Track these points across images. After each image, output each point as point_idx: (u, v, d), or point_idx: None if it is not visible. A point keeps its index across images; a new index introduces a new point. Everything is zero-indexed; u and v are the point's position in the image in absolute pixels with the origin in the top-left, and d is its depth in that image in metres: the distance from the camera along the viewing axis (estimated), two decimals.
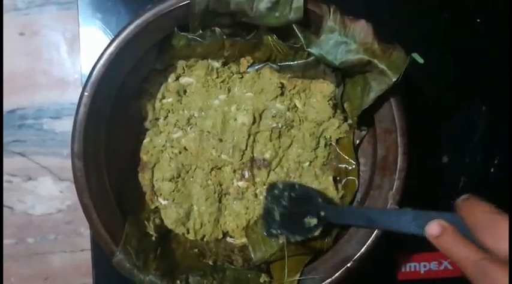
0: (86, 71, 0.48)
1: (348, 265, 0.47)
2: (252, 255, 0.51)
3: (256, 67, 0.53)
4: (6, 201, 0.60)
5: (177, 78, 0.52)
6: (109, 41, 0.45)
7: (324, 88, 0.52)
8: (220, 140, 0.52)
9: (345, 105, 0.51)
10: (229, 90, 0.53)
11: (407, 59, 0.43)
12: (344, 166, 0.54)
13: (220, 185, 0.54)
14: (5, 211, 0.60)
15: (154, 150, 0.52)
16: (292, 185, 0.50)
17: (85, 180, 0.45)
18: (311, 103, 0.52)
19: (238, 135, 0.52)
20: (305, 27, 0.46)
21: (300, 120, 0.53)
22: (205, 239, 0.54)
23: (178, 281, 0.47)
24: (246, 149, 0.53)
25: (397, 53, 0.43)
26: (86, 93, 0.44)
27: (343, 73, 0.49)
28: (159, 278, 0.46)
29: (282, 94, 0.52)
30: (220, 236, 0.54)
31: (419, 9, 0.61)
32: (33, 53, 0.59)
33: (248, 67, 0.53)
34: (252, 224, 0.53)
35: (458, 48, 0.61)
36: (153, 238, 0.49)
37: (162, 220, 0.52)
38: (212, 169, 0.53)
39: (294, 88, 0.52)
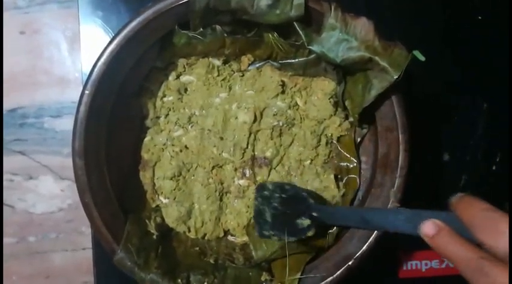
0: (87, 70, 0.48)
1: (350, 263, 0.47)
2: (253, 253, 0.51)
3: (257, 65, 0.53)
4: (7, 199, 0.60)
5: (178, 77, 0.52)
6: (109, 39, 0.45)
7: (325, 86, 0.52)
8: (221, 138, 0.52)
9: (346, 103, 0.51)
10: (230, 88, 0.53)
11: (409, 56, 0.43)
12: (345, 164, 0.54)
13: (221, 183, 0.54)
14: (6, 209, 0.60)
15: (155, 148, 0.52)
16: (282, 186, 0.49)
17: (86, 179, 0.45)
18: (312, 101, 0.52)
19: (239, 133, 0.52)
20: (306, 24, 0.46)
21: (301, 118, 0.53)
22: (206, 238, 0.54)
23: (180, 280, 0.47)
24: (247, 147, 0.53)
25: (399, 50, 0.43)
26: (86, 92, 0.44)
27: (344, 71, 0.49)
28: (160, 277, 0.46)
29: (283, 92, 0.52)
30: (222, 234, 0.54)
31: (420, 6, 0.61)
32: (33, 51, 0.59)
33: (249, 65, 0.52)
34: (253, 223, 0.53)
35: (460, 45, 0.61)
36: (154, 237, 0.49)
37: (163, 219, 0.52)
38: (213, 167, 0.53)
39: (295, 86, 0.52)
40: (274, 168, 0.54)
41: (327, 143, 0.54)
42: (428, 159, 0.61)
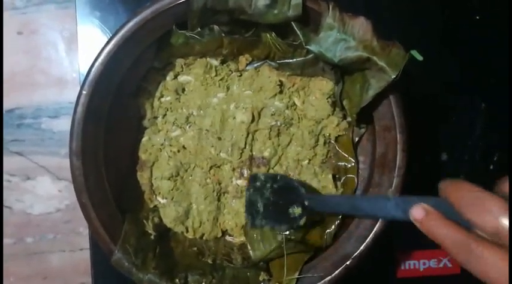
0: (84, 70, 0.48)
1: (347, 262, 0.47)
2: (251, 253, 0.51)
3: (255, 65, 0.52)
4: (4, 200, 0.60)
5: (176, 77, 0.52)
6: (107, 40, 0.45)
7: (323, 86, 0.52)
8: (219, 138, 0.52)
9: (344, 103, 0.51)
10: (228, 88, 0.53)
11: (407, 55, 0.43)
12: (343, 164, 0.54)
13: (219, 183, 0.54)
14: (4, 210, 0.60)
15: (153, 148, 0.52)
16: (274, 176, 0.50)
17: (83, 179, 0.45)
18: (310, 101, 0.52)
19: (237, 133, 0.52)
20: (304, 24, 0.46)
21: (299, 118, 0.53)
22: (204, 238, 0.54)
23: (177, 280, 0.47)
24: (245, 147, 0.53)
25: (396, 49, 0.43)
26: (84, 92, 0.44)
27: (342, 71, 0.49)
28: (158, 277, 0.46)
29: (280, 92, 0.52)
30: (219, 234, 0.54)
31: (418, 6, 0.61)
32: (31, 52, 0.59)
33: (247, 65, 0.52)
34: None
35: (458, 45, 0.61)
36: (152, 237, 0.49)
37: (161, 219, 0.52)
38: (211, 167, 0.53)
39: (292, 86, 0.52)
40: (272, 168, 0.54)
41: (324, 143, 0.54)
42: (426, 158, 0.61)
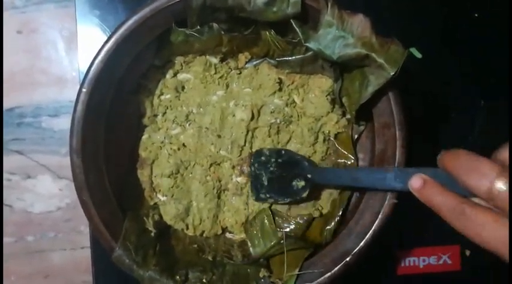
0: (84, 69, 0.48)
1: (347, 259, 0.47)
2: (251, 250, 0.51)
3: (254, 63, 0.53)
4: (5, 199, 0.60)
5: (175, 75, 0.52)
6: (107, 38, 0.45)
7: (322, 83, 0.52)
8: (219, 136, 0.52)
9: (343, 100, 0.51)
10: (227, 86, 0.53)
11: (405, 52, 0.43)
12: (343, 161, 0.54)
13: (219, 181, 0.54)
14: (5, 209, 0.60)
15: (153, 146, 0.52)
16: (279, 151, 0.51)
17: (84, 177, 0.45)
18: (309, 99, 0.52)
19: (236, 131, 0.52)
20: (303, 22, 0.46)
21: (298, 116, 0.53)
22: (204, 235, 0.54)
23: (178, 277, 0.47)
24: (245, 145, 0.53)
25: (395, 46, 0.43)
26: (83, 90, 0.44)
27: (341, 68, 0.49)
28: (159, 274, 0.46)
29: (280, 89, 0.52)
30: (220, 232, 0.54)
31: (418, 5, 0.61)
32: (31, 51, 0.59)
33: (246, 63, 0.53)
34: (251, 220, 0.53)
35: (458, 43, 0.62)
36: (152, 234, 0.49)
37: (161, 216, 0.53)
38: (211, 165, 0.53)
39: (292, 83, 0.52)
40: None
41: (324, 140, 0.54)
42: (426, 156, 0.61)
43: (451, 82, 0.62)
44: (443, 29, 0.62)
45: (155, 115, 0.52)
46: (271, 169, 0.51)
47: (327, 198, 0.54)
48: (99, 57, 0.44)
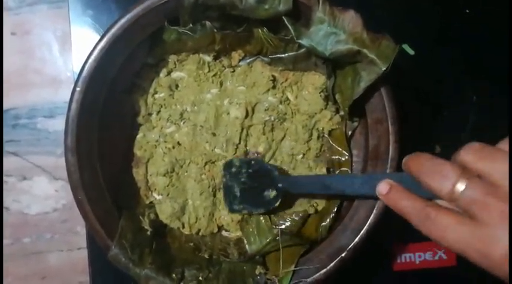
0: (78, 69, 0.48)
1: (343, 255, 0.47)
2: (247, 248, 0.51)
3: (248, 60, 0.53)
4: None
5: (169, 73, 0.52)
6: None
7: (315, 80, 0.52)
8: (214, 134, 0.53)
9: (337, 97, 0.51)
10: (221, 84, 0.53)
11: (396, 47, 0.43)
12: (337, 157, 0.54)
13: (215, 179, 0.54)
14: None
15: (148, 145, 0.52)
16: (249, 161, 0.51)
17: (79, 175, 0.45)
18: (303, 96, 0.53)
19: (231, 128, 0.52)
20: (295, 19, 0.46)
21: (292, 113, 0.54)
22: (200, 233, 0.54)
23: (174, 275, 0.47)
24: (240, 143, 0.53)
25: (386, 42, 0.44)
26: (77, 89, 0.45)
27: (334, 65, 0.49)
28: (155, 272, 0.46)
29: (274, 87, 0.52)
30: (216, 230, 0.54)
31: (409, 1, 0.62)
32: (25, 52, 0.59)
33: (239, 60, 0.53)
34: (246, 217, 0.53)
35: (449, 39, 0.62)
36: (148, 233, 0.49)
37: (157, 215, 0.53)
38: (206, 163, 0.53)
39: (285, 81, 0.53)
40: (267, 163, 0.54)
41: (318, 137, 0.54)
42: (419, 151, 0.61)
43: (444, 79, 0.62)
44: (436, 26, 0.62)
45: (149, 114, 0.53)
46: (243, 179, 0.51)
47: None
48: (93, 56, 0.45)
